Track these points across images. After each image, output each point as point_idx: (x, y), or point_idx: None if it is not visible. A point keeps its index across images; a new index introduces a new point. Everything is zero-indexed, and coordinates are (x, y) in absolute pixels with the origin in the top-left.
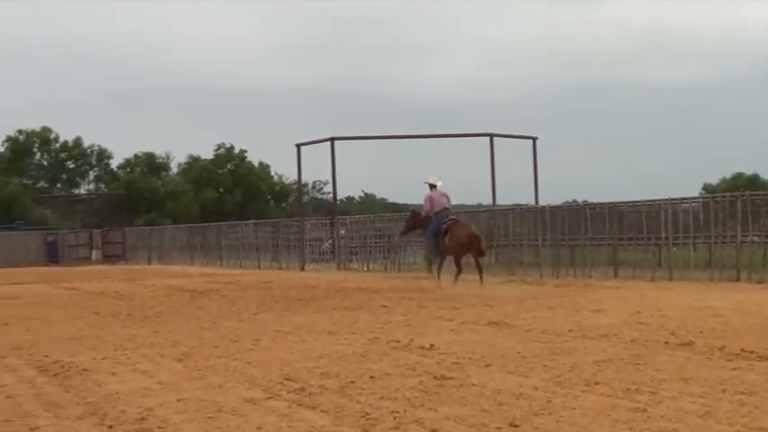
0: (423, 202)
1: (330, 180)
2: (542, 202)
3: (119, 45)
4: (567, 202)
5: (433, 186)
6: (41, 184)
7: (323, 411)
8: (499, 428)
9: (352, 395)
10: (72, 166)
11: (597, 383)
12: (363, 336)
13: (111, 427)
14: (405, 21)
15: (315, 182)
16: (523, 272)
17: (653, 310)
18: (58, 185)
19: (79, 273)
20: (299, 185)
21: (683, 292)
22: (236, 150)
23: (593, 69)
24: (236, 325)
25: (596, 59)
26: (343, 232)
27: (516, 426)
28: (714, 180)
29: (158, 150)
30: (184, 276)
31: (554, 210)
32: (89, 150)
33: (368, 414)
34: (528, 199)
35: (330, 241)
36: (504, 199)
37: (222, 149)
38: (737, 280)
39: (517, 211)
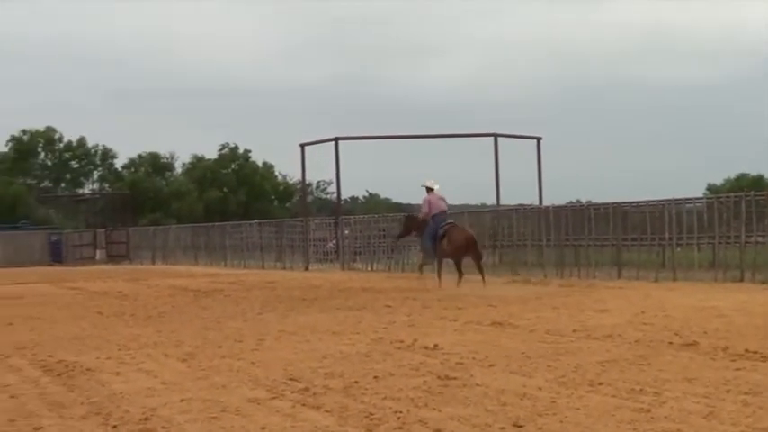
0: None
1: (334, 180)
2: (546, 203)
3: (119, 45)
4: (571, 202)
5: (430, 190)
6: (45, 183)
7: (327, 411)
8: (503, 429)
9: (356, 395)
10: (76, 165)
11: (601, 384)
12: (367, 336)
13: (114, 426)
14: (405, 21)
15: (319, 182)
16: (527, 272)
17: (657, 310)
18: (62, 185)
19: (83, 272)
20: (303, 185)
21: (686, 293)
22: (240, 150)
23: (594, 69)
24: (240, 325)
25: (597, 59)
26: (347, 232)
27: (520, 426)
28: (718, 180)
29: (162, 150)
30: (188, 276)
31: (558, 210)
32: (93, 150)
33: (372, 414)
34: (532, 199)
35: (334, 241)
36: (508, 199)
37: (226, 149)
38: (741, 280)
39: (521, 211)
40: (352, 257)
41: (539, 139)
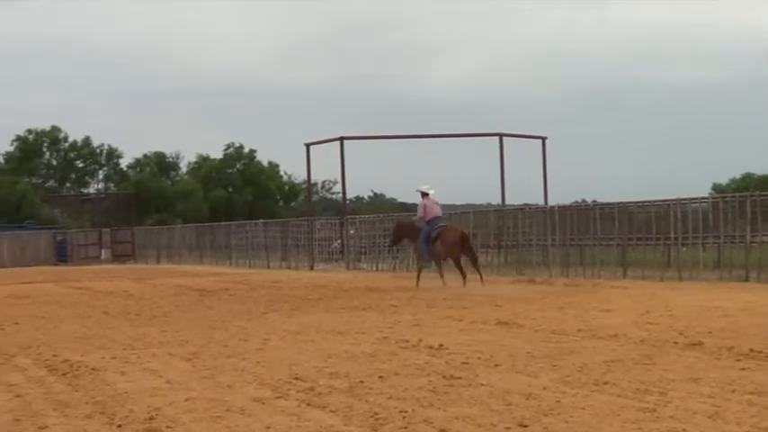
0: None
1: (339, 180)
2: (551, 202)
3: (125, 45)
4: (576, 202)
5: (425, 194)
6: (51, 183)
7: (332, 411)
8: (508, 428)
9: (361, 395)
10: (81, 165)
11: (606, 383)
12: (372, 335)
13: (119, 426)
14: (411, 20)
15: (324, 181)
16: (532, 272)
17: (662, 310)
18: (68, 185)
19: (88, 272)
20: (309, 185)
21: (692, 293)
22: (246, 150)
23: (597, 69)
24: (245, 324)
25: (600, 60)
26: (352, 232)
27: (525, 426)
28: (724, 180)
29: (167, 150)
30: (193, 276)
31: (563, 210)
32: (98, 150)
33: (377, 414)
34: (537, 199)
35: (339, 241)
36: (514, 199)
37: (231, 149)
38: (746, 280)
39: (526, 210)
40: (357, 257)
41: (544, 139)
